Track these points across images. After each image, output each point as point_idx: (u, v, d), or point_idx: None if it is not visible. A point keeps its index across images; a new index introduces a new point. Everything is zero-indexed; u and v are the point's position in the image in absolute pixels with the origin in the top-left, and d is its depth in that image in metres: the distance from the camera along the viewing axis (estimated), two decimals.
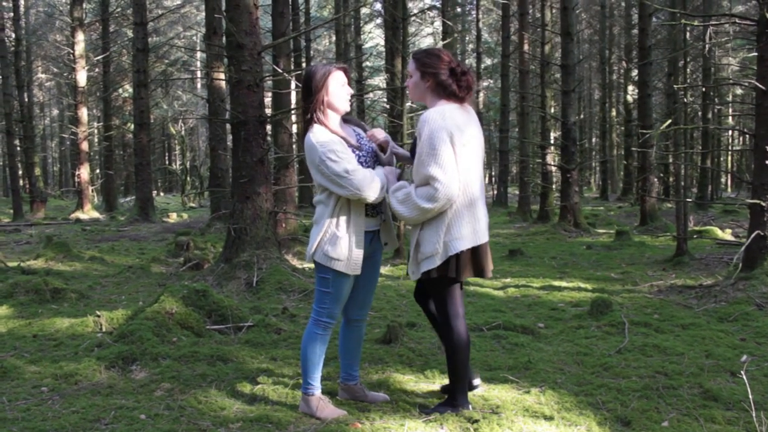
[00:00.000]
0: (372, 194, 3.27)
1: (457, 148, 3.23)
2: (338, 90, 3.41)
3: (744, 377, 3.60)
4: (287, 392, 3.84)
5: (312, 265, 8.87)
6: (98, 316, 5.28)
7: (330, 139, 3.29)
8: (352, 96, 3.53)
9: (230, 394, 3.83)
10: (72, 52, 20.84)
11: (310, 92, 3.38)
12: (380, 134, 3.57)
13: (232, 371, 4.23)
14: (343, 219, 3.36)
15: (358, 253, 3.38)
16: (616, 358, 4.51)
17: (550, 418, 3.40)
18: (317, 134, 3.32)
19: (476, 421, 3.35)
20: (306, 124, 3.42)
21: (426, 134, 3.22)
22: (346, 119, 3.60)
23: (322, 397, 3.54)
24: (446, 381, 4.02)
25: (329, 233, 3.35)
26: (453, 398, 3.52)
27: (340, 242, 3.34)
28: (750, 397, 3.34)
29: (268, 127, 8.86)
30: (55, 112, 45.14)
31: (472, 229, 3.34)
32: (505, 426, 3.28)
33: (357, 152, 3.40)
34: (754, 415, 3.20)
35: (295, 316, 5.76)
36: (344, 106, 3.46)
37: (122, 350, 4.43)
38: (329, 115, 3.42)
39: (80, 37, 20.46)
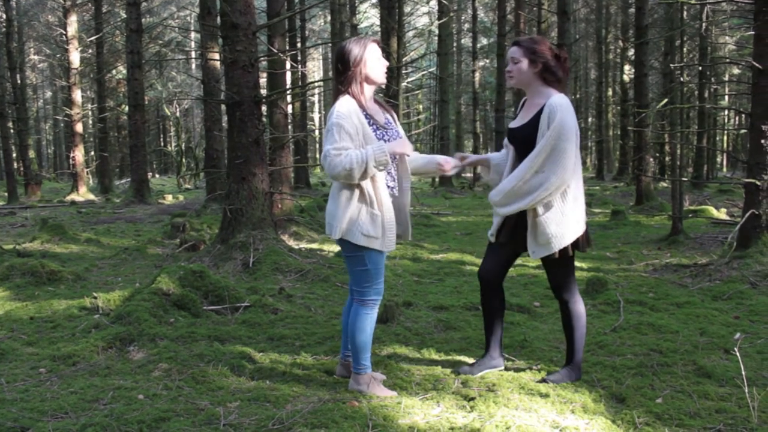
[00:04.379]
0: (338, 176, 3.25)
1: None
2: (376, 62, 3.43)
3: (737, 354, 3.63)
4: (284, 371, 3.87)
5: (309, 246, 8.88)
6: (95, 298, 5.29)
7: (349, 114, 3.29)
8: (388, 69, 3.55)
9: (228, 374, 3.85)
10: (64, 32, 20.65)
11: (347, 66, 3.37)
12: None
13: (230, 351, 4.25)
14: (374, 196, 3.35)
15: (392, 230, 3.40)
16: (611, 336, 4.55)
17: (545, 396, 3.43)
18: (342, 103, 3.33)
19: (472, 398, 3.38)
20: (337, 95, 3.42)
21: (556, 125, 3.37)
22: (377, 101, 3.62)
23: (374, 374, 3.57)
24: (441, 359, 4.06)
25: (365, 211, 3.34)
26: (572, 367, 3.68)
27: (377, 220, 3.34)
28: (743, 373, 3.37)
29: (264, 108, 8.82)
30: (49, 93, 44.83)
31: (583, 208, 3.61)
32: (501, 403, 3.31)
33: (381, 131, 3.43)
34: (746, 390, 3.24)
35: (292, 296, 5.77)
36: (382, 78, 3.49)
37: (119, 331, 4.44)
38: (365, 88, 3.44)
39: (72, 17, 20.27)
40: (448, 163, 3.65)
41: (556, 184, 3.39)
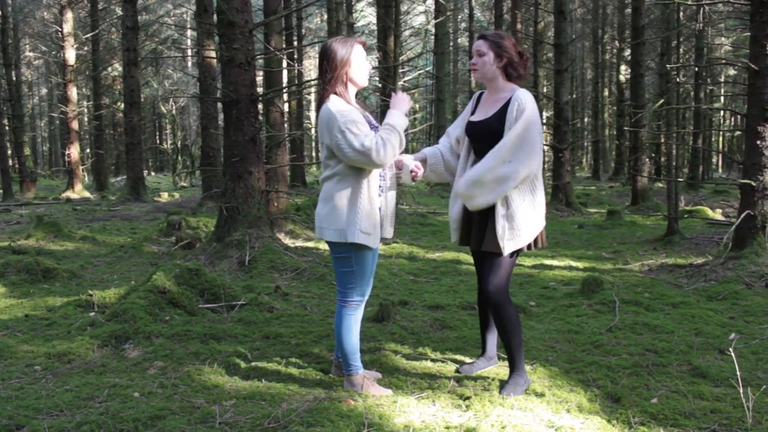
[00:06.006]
0: (389, 161, 3.28)
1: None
2: (361, 64, 3.41)
3: (732, 354, 3.64)
4: (280, 369, 3.86)
5: (305, 244, 8.87)
6: (90, 296, 5.27)
7: (349, 109, 3.28)
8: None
9: (223, 372, 3.84)
10: (60, 30, 20.58)
11: (333, 66, 3.34)
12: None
13: (225, 349, 4.24)
14: (365, 192, 3.33)
15: (377, 225, 3.39)
16: (606, 336, 4.55)
17: (541, 395, 3.43)
18: (336, 103, 3.30)
19: (468, 397, 3.39)
20: (322, 96, 3.38)
21: (525, 118, 3.37)
22: (357, 101, 3.58)
23: (366, 374, 3.56)
24: (437, 358, 4.06)
25: (362, 209, 3.31)
26: (519, 373, 3.55)
27: (371, 216, 3.33)
28: (738, 373, 3.38)
29: (260, 106, 8.81)
30: (44, 91, 44.65)
31: (544, 202, 3.56)
32: (497, 403, 3.31)
33: (375, 129, 3.42)
34: (741, 391, 3.25)
35: (288, 295, 5.77)
36: (365, 80, 3.46)
37: (115, 329, 4.43)
38: (350, 90, 3.42)
39: (68, 14, 20.19)
40: (419, 167, 3.63)
41: (524, 175, 3.37)
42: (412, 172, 3.59)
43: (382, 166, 3.28)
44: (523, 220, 3.41)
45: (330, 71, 3.35)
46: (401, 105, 3.44)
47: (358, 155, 3.21)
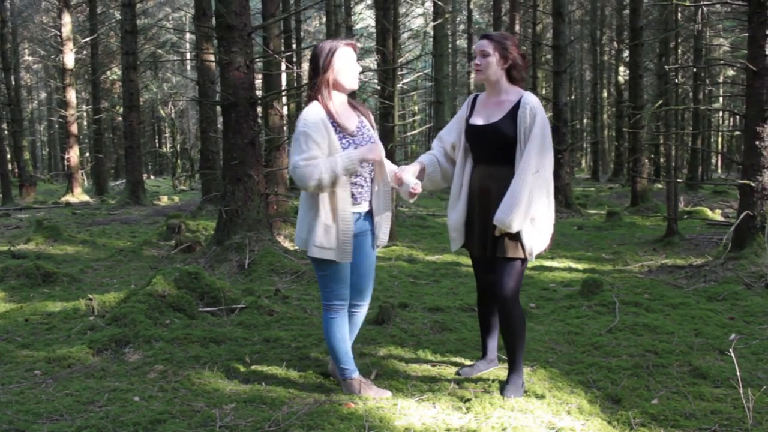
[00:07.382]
0: (310, 190, 3.25)
1: None
2: (345, 67, 3.33)
3: (732, 355, 3.64)
4: (280, 373, 3.86)
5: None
6: (90, 300, 5.27)
7: (315, 122, 3.23)
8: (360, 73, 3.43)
9: (224, 376, 3.84)
10: (59, 34, 20.57)
11: (316, 71, 3.31)
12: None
13: (226, 353, 4.24)
14: (328, 206, 3.30)
15: (347, 241, 3.32)
16: (606, 337, 4.56)
17: (541, 397, 3.43)
18: (310, 111, 3.27)
19: (468, 400, 3.39)
20: (308, 99, 3.37)
21: (540, 123, 3.36)
22: (353, 104, 3.51)
23: (362, 378, 3.54)
24: (437, 360, 4.06)
25: (319, 223, 3.29)
26: (518, 374, 3.54)
27: (330, 231, 3.29)
28: (738, 374, 3.38)
29: (259, 109, 8.81)
30: (43, 95, 44.65)
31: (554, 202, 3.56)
32: (497, 405, 3.31)
33: (349, 139, 3.34)
34: (741, 391, 3.25)
35: (288, 298, 5.76)
36: (351, 83, 3.39)
37: (115, 333, 4.42)
38: (333, 96, 3.36)
39: (67, 18, 20.18)
40: (418, 186, 3.50)
41: (548, 176, 3.38)
42: (412, 189, 3.47)
43: (304, 187, 3.23)
44: (543, 222, 3.42)
45: (314, 75, 3.33)
46: (369, 151, 3.33)
47: (291, 168, 3.22)
